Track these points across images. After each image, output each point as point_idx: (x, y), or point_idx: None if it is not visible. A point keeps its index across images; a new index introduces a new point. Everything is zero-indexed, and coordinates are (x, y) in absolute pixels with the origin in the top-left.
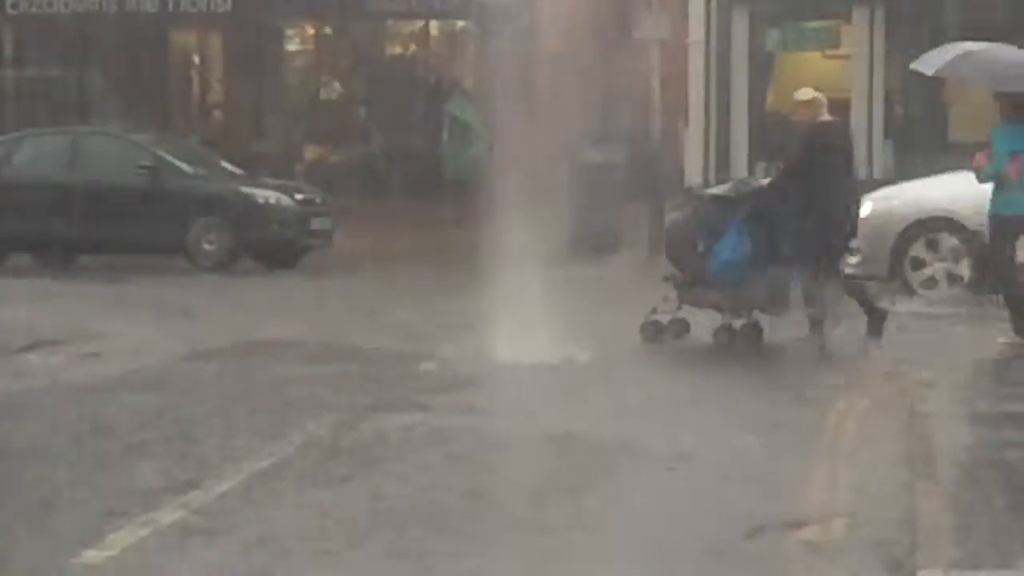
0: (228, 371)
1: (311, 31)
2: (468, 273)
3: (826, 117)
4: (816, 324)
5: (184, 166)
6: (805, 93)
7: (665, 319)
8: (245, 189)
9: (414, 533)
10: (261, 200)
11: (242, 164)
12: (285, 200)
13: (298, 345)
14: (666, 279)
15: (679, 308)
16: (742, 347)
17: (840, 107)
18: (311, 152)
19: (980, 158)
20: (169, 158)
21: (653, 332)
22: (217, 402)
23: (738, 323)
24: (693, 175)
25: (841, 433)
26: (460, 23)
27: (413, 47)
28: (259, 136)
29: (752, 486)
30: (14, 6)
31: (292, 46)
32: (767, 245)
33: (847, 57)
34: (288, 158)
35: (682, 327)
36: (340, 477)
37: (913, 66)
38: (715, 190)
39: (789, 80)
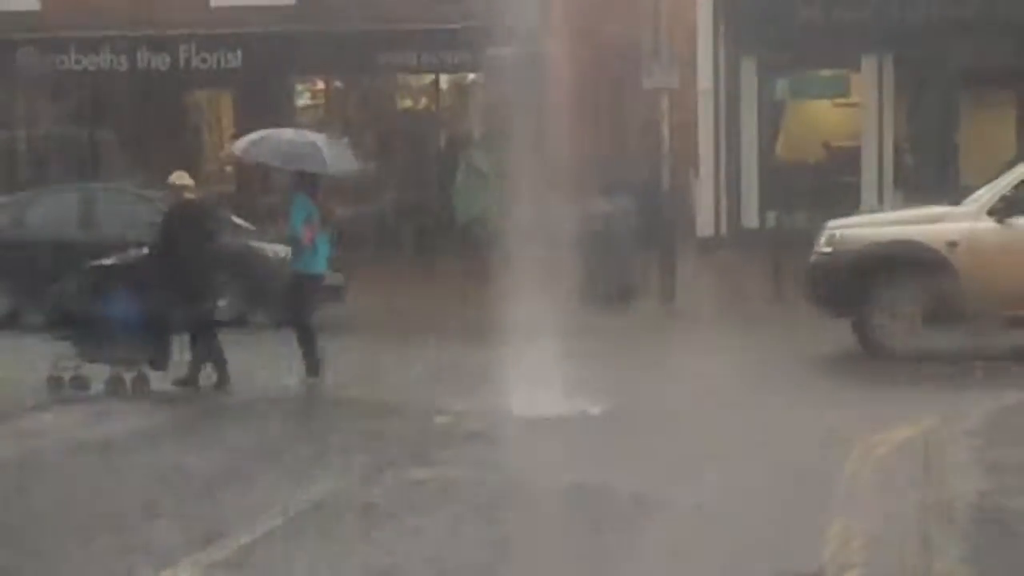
0: (244, 427)
1: (321, 86)
2: (481, 326)
3: (188, 197)
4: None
5: None
6: (176, 177)
7: (67, 375)
8: (256, 244)
9: None
10: (272, 255)
11: (253, 219)
12: None
13: (313, 400)
14: (64, 338)
15: (79, 365)
16: (133, 395)
17: (850, 155)
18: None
19: (307, 231)
20: None
21: (55, 387)
22: (231, 458)
23: (128, 375)
24: (705, 223)
25: (857, 482)
26: (470, 76)
27: (424, 101)
28: (270, 191)
29: (769, 536)
30: (26, 64)
31: (303, 101)
32: (148, 306)
33: (856, 105)
34: None
35: (83, 382)
36: (356, 532)
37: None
38: (105, 261)
39: (799, 128)
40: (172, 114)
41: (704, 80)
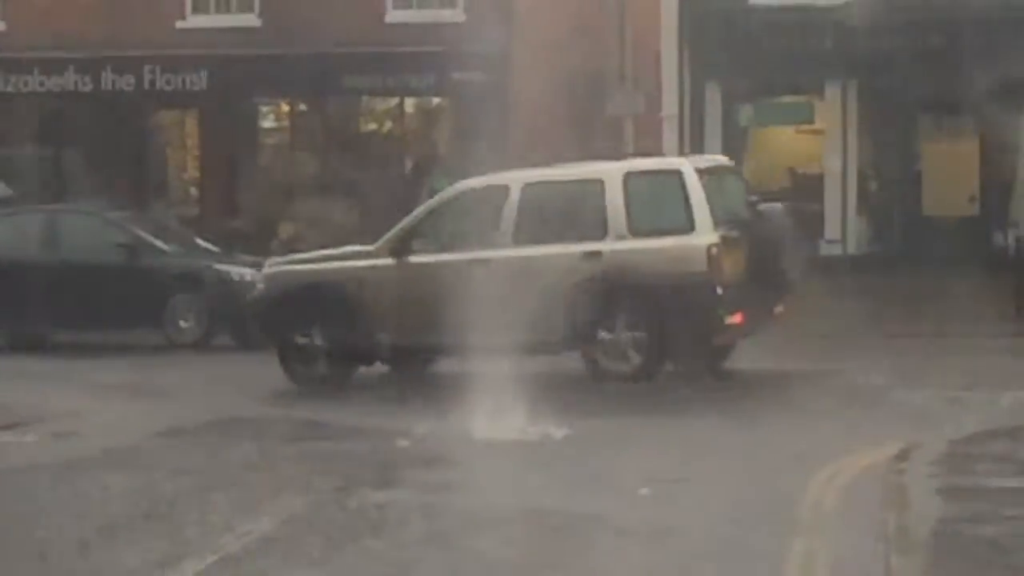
0: (204, 449)
1: (286, 108)
2: (444, 349)
3: None
4: None
5: (160, 244)
6: None
7: None
8: (221, 266)
9: None
10: (237, 277)
11: (218, 241)
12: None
13: (274, 422)
14: None
15: None
16: None
17: (814, 182)
18: (286, 229)
19: None
20: (145, 236)
21: None
22: (193, 480)
23: None
24: None
25: (820, 507)
26: (435, 100)
27: (388, 124)
28: (235, 213)
29: (733, 561)
30: None
31: (267, 123)
32: None
33: (820, 132)
34: (264, 235)
35: None
36: (317, 555)
37: None
38: None
39: (763, 155)
40: (137, 135)
41: (668, 106)
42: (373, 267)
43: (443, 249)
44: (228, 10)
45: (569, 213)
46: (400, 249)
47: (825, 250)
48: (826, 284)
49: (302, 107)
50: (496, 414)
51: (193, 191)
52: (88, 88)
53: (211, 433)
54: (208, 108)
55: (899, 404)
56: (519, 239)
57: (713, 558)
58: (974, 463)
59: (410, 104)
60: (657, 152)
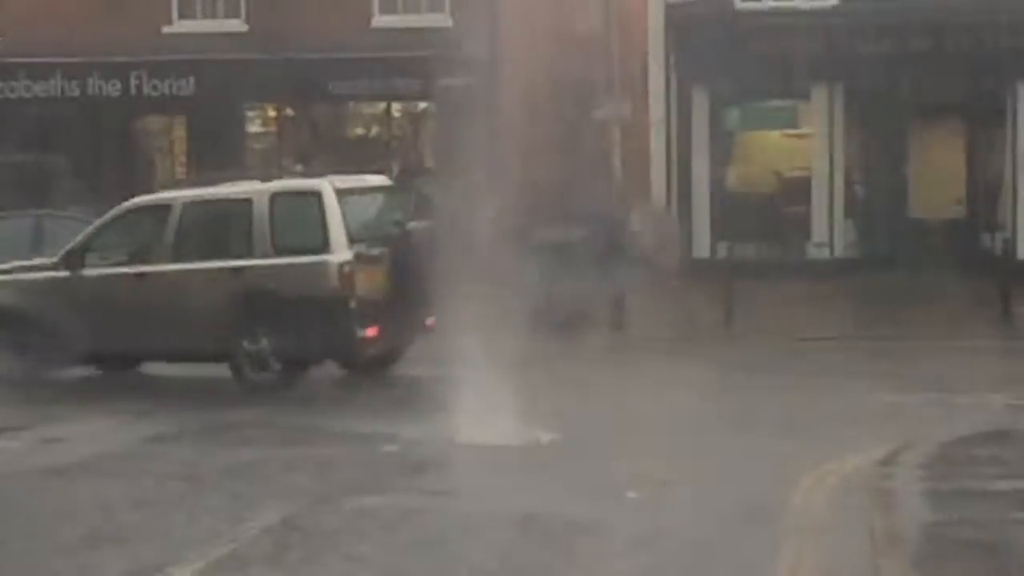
0: (191, 455)
1: (273, 113)
2: (430, 354)
3: None
4: None
5: None
6: None
7: None
8: None
9: None
10: None
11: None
12: None
13: (260, 428)
14: None
15: None
16: None
17: (800, 185)
18: None
19: None
20: None
21: None
22: (181, 486)
23: None
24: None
25: (807, 510)
26: (422, 104)
27: (375, 129)
28: None
29: (721, 564)
30: None
31: (254, 128)
32: None
33: (807, 136)
34: None
35: None
36: (303, 561)
37: None
38: None
39: (750, 158)
40: (124, 141)
41: (655, 111)
42: (51, 279)
43: (112, 263)
44: (215, 15)
45: (222, 231)
46: (74, 262)
47: (813, 253)
48: (813, 287)
49: (289, 112)
50: (483, 419)
51: None
52: (75, 93)
53: (198, 439)
54: (195, 113)
55: (886, 407)
56: (178, 255)
57: (701, 561)
58: (962, 466)
59: (397, 109)
60: (644, 156)
